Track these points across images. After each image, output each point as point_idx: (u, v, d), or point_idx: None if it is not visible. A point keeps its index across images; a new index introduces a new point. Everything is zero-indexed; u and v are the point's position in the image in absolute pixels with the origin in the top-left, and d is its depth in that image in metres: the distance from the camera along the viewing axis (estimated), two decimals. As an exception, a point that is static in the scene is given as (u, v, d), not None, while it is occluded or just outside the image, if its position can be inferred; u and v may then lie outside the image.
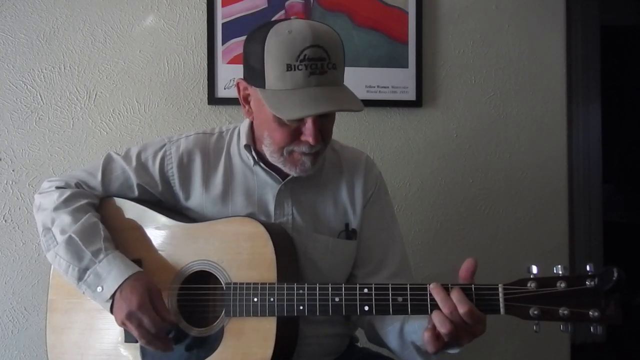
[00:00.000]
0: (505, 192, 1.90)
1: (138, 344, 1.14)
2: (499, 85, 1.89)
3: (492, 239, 1.89)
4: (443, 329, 0.95)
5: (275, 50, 1.03)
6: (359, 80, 1.77)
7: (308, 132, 1.07)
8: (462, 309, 0.94)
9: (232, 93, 1.76)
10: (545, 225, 1.91)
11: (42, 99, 1.75)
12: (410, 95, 1.82)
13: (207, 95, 1.77)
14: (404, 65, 1.82)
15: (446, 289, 0.97)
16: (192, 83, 1.79)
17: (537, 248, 1.90)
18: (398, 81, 1.82)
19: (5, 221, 1.73)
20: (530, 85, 1.90)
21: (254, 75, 1.08)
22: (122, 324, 1.08)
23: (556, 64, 1.91)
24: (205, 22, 1.76)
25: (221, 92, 1.77)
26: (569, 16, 1.93)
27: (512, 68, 1.89)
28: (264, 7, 1.77)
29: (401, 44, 1.82)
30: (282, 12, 1.78)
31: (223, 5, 1.76)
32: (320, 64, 1.03)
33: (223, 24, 1.76)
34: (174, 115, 1.78)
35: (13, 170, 1.74)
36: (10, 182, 1.73)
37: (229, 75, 1.76)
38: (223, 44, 1.77)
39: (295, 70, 1.02)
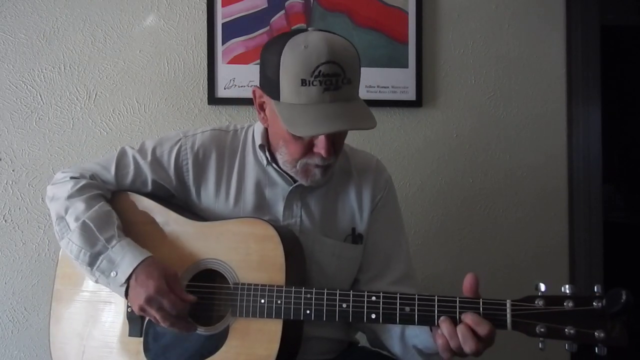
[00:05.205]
0: (505, 192, 1.90)
1: (141, 339, 1.14)
2: (499, 85, 1.89)
3: (492, 239, 1.89)
4: (452, 342, 0.97)
5: (291, 64, 1.03)
6: (359, 80, 1.77)
7: (321, 146, 1.08)
8: (483, 331, 0.95)
9: (232, 93, 1.77)
10: (545, 225, 1.91)
11: (42, 99, 1.75)
12: (410, 95, 1.82)
13: (207, 95, 1.77)
14: (404, 65, 1.82)
15: (453, 319, 0.98)
16: (192, 83, 1.79)
17: (537, 248, 1.90)
18: (398, 81, 1.82)
19: (5, 221, 1.73)
20: (530, 85, 1.90)
21: (270, 86, 1.08)
22: (141, 310, 1.07)
23: (556, 64, 1.91)
24: (205, 22, 1.76)
25: (221, 92, 1.77)
26: (569, 16, 1.92)
27: (512, 68, 1.89)
28: (264, 7, 1.78)
29: (401, 44, 1.82)
30: (282, 12, 1.78)
31: (223, 5, 1.76)
32: (334, 80, 1.03)
33: (223, 24, 1.77)
34: (174, 115, 1.78)
35: (13, 170, 1.74)
36: (10, 182, 1.73)
37: (229, 75, 1.77)
38: (223, 44, 1.77)
39: (309, 85, 1.02)
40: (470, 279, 1.00)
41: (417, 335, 1.12)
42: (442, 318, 0.98)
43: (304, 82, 1.02)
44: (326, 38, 1.05)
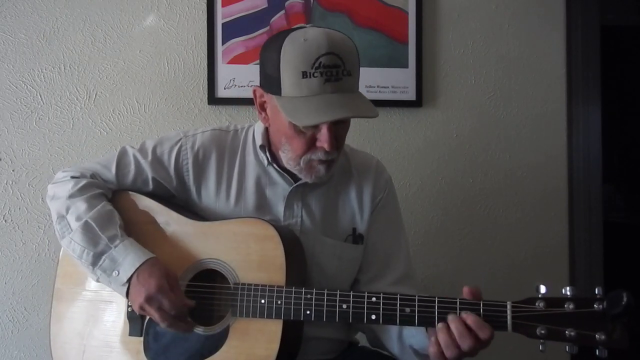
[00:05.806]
0: (505, 192, 1.89)
1: (141, 338, 1.15)
2: (499, 85, 1.89)
3: (492, 239, 1.89)
4: (448, 352, 0.97)
5: (291, 57, 1.04)
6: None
7: (323, 139, 1.08)
8: (483, 335, 0.95)
9: (232, 93, 1.77)
10: (545, 225, 1.91)
11: (42, 99, 1.75)
12: (410, 95, 1.82)
13: (207, 95, 1.77)
14: (404, 65, 1.82)
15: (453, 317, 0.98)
16: (192, 83, 1.79)
17: (537, 248, 1.90)
18: (398, 81, 1.82)
19: (5, 221, 1.73)
20: (530, 85, 1.90)
21: (270, 82, 1.08)
22: (141, 308, 1.08)
23: (556, 64, 1.91)
24: (205, 22, 1.76)
25: (221, 92, 1.77)
26: (569, 16, 1.92)
27: (512, 68, 1.89)
28: (264, 7, 1.78)
29: (401, 44, 1.82)
30: (282, 12, 1.78)
31: (223, 5, 1.76)
32: (335, 71, 1.04)
33: (223, 24, 1.77)
34: (174, 115, 1.78)
35: (13, 170, 1.74)
36: (10, 182, 1.73)
37: (229, 75, 1.77)
38: (223, 44, 1.77)
39: (310, 77, 1.03)
40: (468, 291, 1.00)
41: (414, 335, 1.12)
42: (439, 326, 0.98)
43: (304, 75, 1.03)
44: (325, 31, 1.06)
